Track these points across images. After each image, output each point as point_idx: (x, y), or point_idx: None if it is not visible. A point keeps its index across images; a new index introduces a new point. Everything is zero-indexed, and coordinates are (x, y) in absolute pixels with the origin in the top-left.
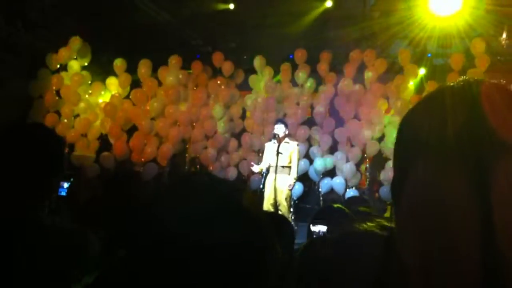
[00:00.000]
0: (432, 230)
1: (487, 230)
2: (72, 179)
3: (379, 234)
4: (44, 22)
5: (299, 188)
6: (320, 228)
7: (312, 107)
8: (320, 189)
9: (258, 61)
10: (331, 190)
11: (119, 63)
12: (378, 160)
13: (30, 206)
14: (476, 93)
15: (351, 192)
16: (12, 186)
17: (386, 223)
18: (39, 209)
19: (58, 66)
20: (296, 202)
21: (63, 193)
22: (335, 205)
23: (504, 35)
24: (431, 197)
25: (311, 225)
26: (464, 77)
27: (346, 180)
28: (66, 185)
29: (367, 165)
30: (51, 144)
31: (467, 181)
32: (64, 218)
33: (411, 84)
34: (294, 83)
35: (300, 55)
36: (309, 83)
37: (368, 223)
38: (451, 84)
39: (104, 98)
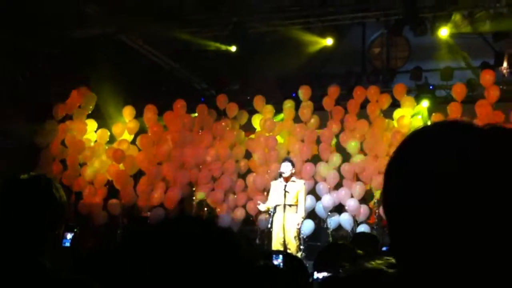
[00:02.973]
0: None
1: None
2: (75, 230)
3: (387, 271)
4: (50, 72)
5: (309, 225)
6: (324, 275)
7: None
8: (328, 226)
9: (258, 101)
10: (340, 227)
11: (128, 110)
12: None
13: (33, 256)
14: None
15: (362, 228)
16: (14, 238)
17: (393, 261)
18: (42, 260)
19: (64, 115)
20: (306, 240)
21: (67, 244)
22: (340, 242)
23: (505, 64)
24: None
25: (315, 272)
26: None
27: (353, 216)
28: (69, 236)
29: (375, 200)
30: (51, 195)
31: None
32: (67, 268)
33: (419, 118)
34: (297, 121)
35: (304, 91)
36: (313, 120)
37: (377, 261)
38: (441, 124)
39: (109, 145)
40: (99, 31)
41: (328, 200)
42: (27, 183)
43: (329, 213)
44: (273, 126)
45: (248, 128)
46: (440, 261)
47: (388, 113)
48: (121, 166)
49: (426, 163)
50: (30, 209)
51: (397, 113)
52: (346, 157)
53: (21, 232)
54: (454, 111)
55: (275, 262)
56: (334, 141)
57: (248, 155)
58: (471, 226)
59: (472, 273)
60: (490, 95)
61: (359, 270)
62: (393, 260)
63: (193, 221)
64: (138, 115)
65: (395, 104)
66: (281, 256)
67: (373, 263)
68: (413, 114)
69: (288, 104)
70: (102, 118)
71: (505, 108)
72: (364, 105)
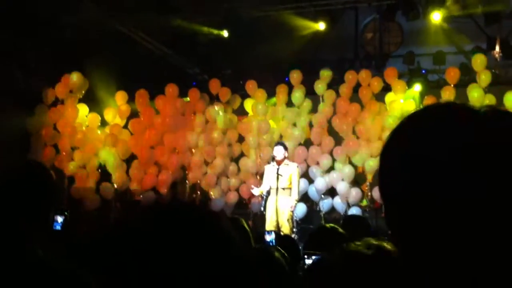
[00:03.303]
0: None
1: None
2: (66, 213)
3: (365, 253)
4: (39, 59)
5: (302, 208)
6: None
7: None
8: (321, 209)
9: (250, 85)
10: (333, 209)
11: (120, 95)
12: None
13: (23, 243)
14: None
15: (353, 211)
16: (4, 224)
17: (373, 241)
18: (33, 246)
19: (54, 99)
20: (299, 222)
21: (58, 227)
22: (328, 226)
23: (497, 49)
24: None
25: (305, 257)
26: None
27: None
28: (60, 219)
29: (368, 183)
30: (40, 178)
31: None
32: (59, 253)
33: (412, 101)
34: (290, 105)
35: (295, 76)
36: (305, 104)
37: (356, 242)
38: (434, 107)
39: (101, 129)
40: (91, 17)
41: (321, 183)
42: (16, 168)
43: (322, 196)
44: (265, 110)
45: (241, 112)
46: (438, 246)
47: (380, 97)
48: (113, 150)
49: (423, 147)
50: (20, 192)
51: (388, 97)
52: (338, 140)
53: (11, 217)
54: (447, 95)
55: (268, 238)
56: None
57: (241, 139)
58: (469, 211)
59: (471, 261)
60: (481, 79)
61: (337, 253)
62: (373, 241)
63: (183, 207)
64: (130, 99)
65: (388, 88)
66: (273, 233)
67: (353, 245)
68: (405, 98)
69: (281, 89)
70: (94, 103)
71: (498, 92)
72: (356, 89)
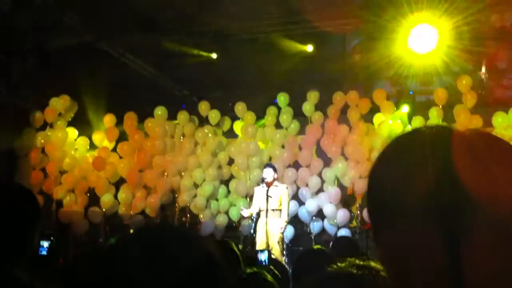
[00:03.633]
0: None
1: None
2: (52, 238)
3: (352, 273)
4: (27, 82)
5: (290, 230)
6: None
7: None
8: (311, 231)
9: (239, 107)
10: (323, 231)
11: (108, 118)
12: None
13: (7, 268)
14: (449, 144)
15: (342, 232)
16: None
17: (358, 262)
18: (16, 268)
19: (42, 123)
20: (289, 245)
21: (44, 252)
22: (315, 247)
23: (483, 70)
24: (406, 247)
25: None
26: (434, 125)
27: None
28: (46, 244)
29: (357, 205)
30: (24, 203)
31: (440, 237)
32: (43, 278)
33: (399, 123)
34: (279, 126)
35: (282, 98)
36: (293, 125)
37: (339, 264)
38: (422, 131)
39: (90, 153)
40: (78, 40)
41: (311, 204)
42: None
43: (313, 218)
44: (254, 132)
45: (231, 135)
46: (428, 269)
47: (368, 118)
48: (102, 173)
49: (407, 172)
50: (3, 216)
51: (376, 118)
52: (326, 162)
53: None
54: (435, 116)
55: (261, 258)
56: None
57: (230, 161)
58: (462, 234)
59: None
60: (467, 100)
61: (318, 276)
62: (358, 261)
63: (170, 231)
64: (119, 122)
65: (376, 110)
66: (266, 252)
67: (335, 266)
68: (393, 119)
69: (270, 111)
70: (83, 126)
71: (485, 112)
72: (344, 111)
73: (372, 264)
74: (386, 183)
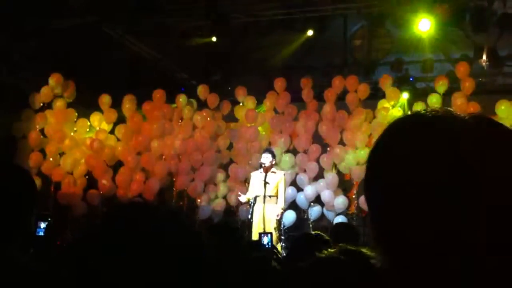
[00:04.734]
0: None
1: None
2: (50, 219)
3: (340, 259)
4: (27, 63)
5: (291, 216)
6: None
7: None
8: (309, 217)
9: (240, 91)
10: (322, 217)
11: (104, 99)
12: None
13: (1, 244)
14: (452, 127)
15: (339, 219)
16: None
17: (350, 247)
18: (10, 248)
19: (41, 104)
20: (287, 230)
21: (41, 233)
22: (314, 233)
23: (484, 57)
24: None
25: None
26: (436, 108)
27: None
28: (43, 225)
29: (355, 191)
30: (20, 183)
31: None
32: (40, 258)
33: (399, 110)
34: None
35: (279, 84)
36: (290, 110)
37: (329, 249)
38: (424, 114)
39: (89, 135)
40: (79, 21)
41: (310, 191)
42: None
43: (311, 204)
44: (255, 117)
45: (230, 119)
46: (427, 256)
47: (367, 104)
48: (100, 156)
49: (407, 156)
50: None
51: (380, 104)
52: (325, 148)
53: None
54: (434, 103)
55: (265, 241)
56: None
57: (230, 145)
58: (458, 218)
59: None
60: (465, 87)
61: (314, 260)
62: (350, 247)
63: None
64: (117, 104)
65: (375, 95)
66: (269, 235)
67: (325, 252)
68: (393, 105)
69: (269, 95)
70: (81, 108)
71: (485, 100)
72: (343, 97)
73: (363, 250)
74: (389, 161)
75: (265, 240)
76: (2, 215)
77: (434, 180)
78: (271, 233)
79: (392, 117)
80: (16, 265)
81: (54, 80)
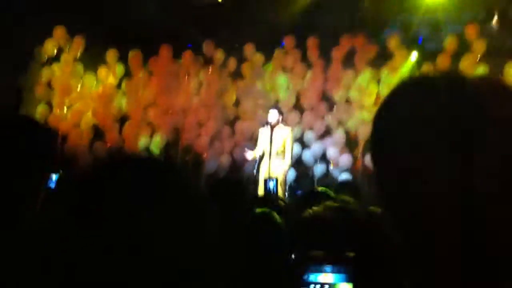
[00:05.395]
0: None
1: (469, 207)
2: (61, 171)
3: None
4: (31, 16)
5: (291, 173)
6: None
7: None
8: (314, 174)
9: (248, 49)
10: (327, 175)
11: (111, 53)
12: None
13: (13, 203)
14: (459, 88)
15: (343, 176)
16: None
17: (334, 204)
18: (27, 204)
19: (47, 58)
20: (292, 186)
21: (52, 185)
22: (320, 189)
23: (495, 19)
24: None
25: None
26: (444, 70)
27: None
28: (54, 177)
29: (360, 149)
30: (38, 137)
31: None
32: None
33: (407, 70)
34: (286, 70)
35: (289, 41)
36: (299, 69)
37: (314, 208)
38: (432, 75)
39: (95, 89)
40: None
41: (316, 148)
42: (11, 122)
43: (317, 161)
44: (262, 74)
45: (237, 75)
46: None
47: (375, 64)
48: (106, 109)
49: (411, 119)
50: (13, 149)
51: (388, 64)
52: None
53: (3, 172)
54: (443, 64)
55: (270, 185)
56: None
57: (237, 102)
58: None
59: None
60: (475, 48)
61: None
62: (334, 204)
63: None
64: (123, 60)
65: (383, 55)
66: (275, 180)
67: (310, 210)
68: (401, 66)
69: (277, 54)
70: (88, 62)
71: (495, 62)
72: (351, 57)
73: (349, 207)
74: (397, 117)
75: (271, 185)
76: (17, 168)
77: (437, 139)
78: (276, 179)
79: (400, 77)
80: (33, 221)
81: (58, 34)
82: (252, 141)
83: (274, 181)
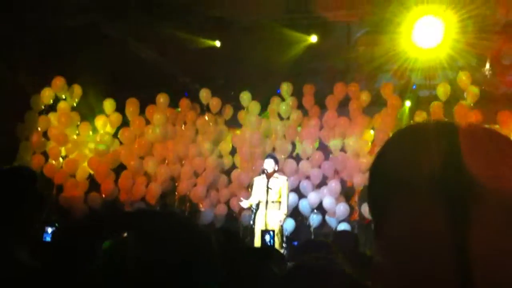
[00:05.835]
0: (410, 267)
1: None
2: (57, 224)
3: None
4: (28, 64)
5: (290, 223)
6: None
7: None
8: (311, 224)
9: (244, 97)
10: (324, 225)
11: (108, 103)
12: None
13: (9, 250)
14: (454, 135)
15: (342, 226)
16: None
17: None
18: (19, 254)
19: (43, 107)
20: (289, 237)
21: (48, 239)
22: (318, 239)
23: (487, 66)
24: (410, 234)
25: None
26: (436, 118)
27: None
28: (50, 230)
29: (356, 199)
30: (31, 187)
31: (445, 221)
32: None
33: (400, 118)
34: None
35: (285, 88)
36: (295, 116)
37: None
38: (427, 123)
39: (92, 138)
40: (81, 22)
41: (313, 197)
42: (7, 174)
43: (315, 211)
44: (258, 122)
45: (233, 123)
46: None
47: (369, 111)
48: (102, 159)
49: (416, 156)
50: (9, 200)
51: (382, 112)
52: (327, 155)
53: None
54: (436, 111)
55: (267, 239)
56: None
57: (232, 151)
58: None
59: None
60: (468, 95)
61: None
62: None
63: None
64: (120, 108)
65: (377, 102)
66: (272, 232)
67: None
68: (395, 113)
69: (273, 101)
70: (85, 111)
71: (488, 109)
72: (345, 103)
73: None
74: (390, 171)
75: (267, 238)
76: (12, 220)
77: (435, 186)
78: (273, 231)
79: (395, 124)
80: (16, 262)
81: (56, 83)
82: (248, 190)
83: (271, 234)
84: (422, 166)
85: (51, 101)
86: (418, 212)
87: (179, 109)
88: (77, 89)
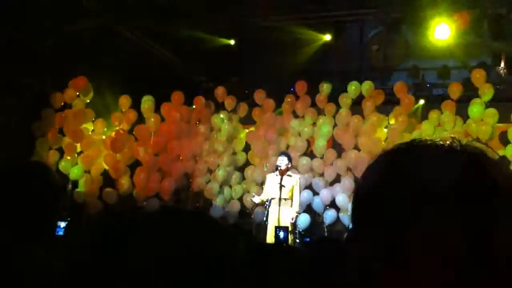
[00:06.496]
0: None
1: None
2: (69, 219)
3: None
4: (46, 63)
5: (305, 220)
6: None
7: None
8: (324, 221)
9: (258, 95)
10: (337, 222)
11: (124, 100)
12: None
13: (25, 244)
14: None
15: None
16: (8, 226)
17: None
18: (35, 248)
19: (62, 103)
20: (302, 233)
21: (60, 233)
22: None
23: (502, 64)
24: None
25: None
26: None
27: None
28: (63, 224)
29: None
30: (47, 182)
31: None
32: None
33: (413, 116)
34: (296, 115)
35: (300, 87)
36: (310, 115)
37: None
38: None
39: (106, 134)
40: (97, 23)
41: (326, 194)
42: (23, 170)
43: (327, 207)
44: (273, 120)
45: (247, 121)
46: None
47: (383, 109)
48: (118, 155)
49: (435, 161)
50: (25, 196)
51: (395, 111)
52: (340, 152)
53: (15, 220)
54: (448, 110)
55: (281, 235)
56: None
57: (246, 148)
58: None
59: None
60: (483, 94)
61: None
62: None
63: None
64: (136, 105)
65: (391, 101)
66: (285, 229)
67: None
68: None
69: (287, 99)
70: (99, 108)
71: (503, 108)
72: (360, 101)
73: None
74: (415, 182)
75: (281, 234)
76: (28, 215)
77: (454, 191)
78: (287, 227)
79: (408, 124)
80: (40, 264)
81: (79, 83)
82: (261, 187)
83: (285, 231)
84: (448, 178)
85: (70, 99)
86: (446, 224)
87: (194, 107)
88: (89, 86)
